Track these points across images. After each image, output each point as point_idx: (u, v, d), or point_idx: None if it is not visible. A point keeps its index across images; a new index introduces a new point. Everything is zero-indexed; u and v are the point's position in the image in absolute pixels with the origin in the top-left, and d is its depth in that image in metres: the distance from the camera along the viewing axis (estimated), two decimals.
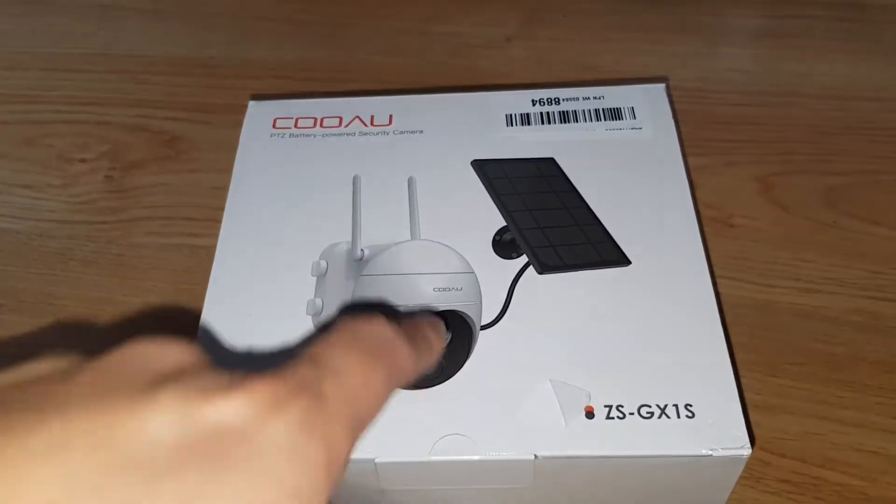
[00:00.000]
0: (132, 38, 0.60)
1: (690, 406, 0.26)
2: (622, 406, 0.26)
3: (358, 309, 0.26)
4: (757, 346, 0.42)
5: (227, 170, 0.41)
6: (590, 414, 0.26)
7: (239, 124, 0.38)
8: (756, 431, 0.39)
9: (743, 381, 0.40)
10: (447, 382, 0.26)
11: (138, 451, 0.14)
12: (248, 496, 0.15)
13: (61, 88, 0.56)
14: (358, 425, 0.17)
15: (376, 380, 0.18)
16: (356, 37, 0.59)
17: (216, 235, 0.39)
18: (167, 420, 0.15)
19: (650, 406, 0.26)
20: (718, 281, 0.44)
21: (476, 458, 0.25)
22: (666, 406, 0.26)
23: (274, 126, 0.34)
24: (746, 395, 0.40)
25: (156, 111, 0.54)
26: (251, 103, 0.35)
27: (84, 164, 0.51)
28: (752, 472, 0.38)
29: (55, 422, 0.14)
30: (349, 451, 0.17)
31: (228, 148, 0.44)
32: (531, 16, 0.60)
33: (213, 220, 0.45)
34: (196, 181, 0.50)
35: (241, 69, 0.56)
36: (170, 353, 0.17)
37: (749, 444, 0.25)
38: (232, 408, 0.15)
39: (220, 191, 0.40)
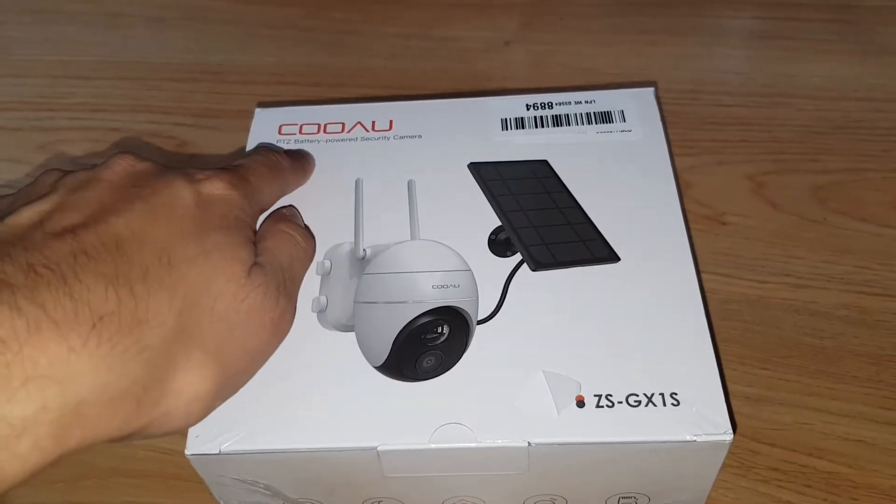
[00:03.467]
0: (140, 46, 0.61)
1: (676, 395, 0.27)
2: (611, 395, 0.27)
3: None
4: (749, 340, 0.43)
5: None
6: (580, 403, 0.27)
7: (246, 129, 0.40)
8: (747, 422, 0.40)
9: (734, 373, 0.42)
10: (445, 375, 0.28)
11: (180, 211, 0.26)
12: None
13: (72, 96, 0.58)
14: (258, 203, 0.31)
15: (269, 181, 0.32)
16: (359, 43, 0.60)
17: None
18: (187, 194, 0.27)
19: (637, 395, 0.27)
20: (711, 277, 0.45)
21: (473, 445, 0.26)
22: (652, 395, 0.27)
23: (279, 132, 0.36)
24: (738, 387, 0.41)
25: (165, 117, 0.55)
26: (257, 110, 0.37)
27: None
28: (743, 461, 0.39)
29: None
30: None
31: (236, 152, 0.46)
32: (529, 20, 0.61)
33: None
34: None
35: (248, 75, 0.58)
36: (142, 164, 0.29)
37: (731, 431, 0.26)
38: (214, 185, 0.29)
39: None
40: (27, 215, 0.24)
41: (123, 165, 0.27)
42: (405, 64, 0.58)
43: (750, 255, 0.46)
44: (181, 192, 0.27)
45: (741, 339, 0.43)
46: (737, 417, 0.40)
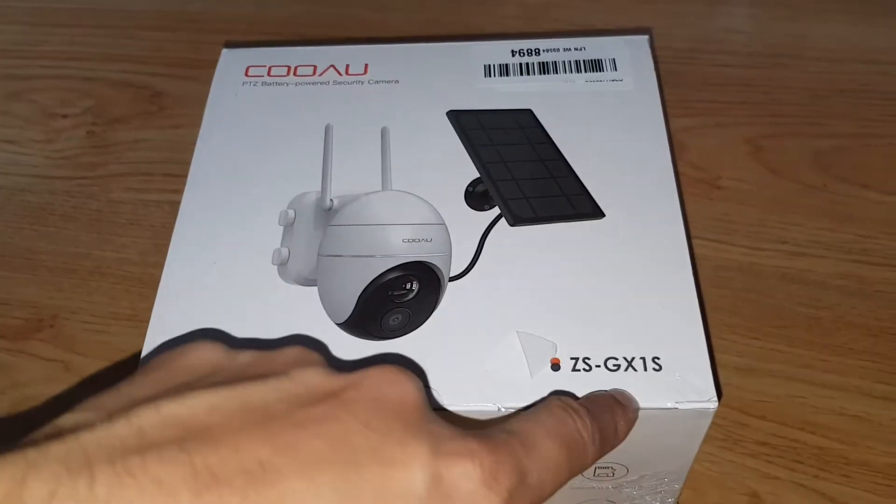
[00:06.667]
0: None
1: (658, 359, 0.25)
2: (589, 358, 0.25)
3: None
4: (740, 308, 0.41)
5: None
6: (556, 366, 0.25)
7: None
8: (736, 393, 0.39)
9: (724, 343, 0.40)
10: (413, 334, 0.26)
11: (399, 497, 0.18)
12: None
13: (46, 44, 0.55)
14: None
15: (563, 476, 0.21)
16: None
17: None
18: (421, 476, 0.18)
19: (617, 359, 0.25)
20: (703, 243, 0.43)
21: (451, 408, 0.25)
22: (633, 359, 0.25)
23: (246, 74, 0.33)
24: (727, 357, 0.40)
25: (140, 66, 0.53)
26: (224, 50, 0.34)
27: (67, 120, 0.51)
28: (730, 434, 0.38)
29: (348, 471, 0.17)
30: None
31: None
32: None
33: None
34: (178, 137, 0.49)
35: (226, 24, 0.56)
36: (399, 387, 0.20)
37: (716, 398, 0.25)
38: (465, 475, 0.18)
39: None
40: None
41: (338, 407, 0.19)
42: (394, 15, 0.56)
43: (745, 221, 0.44)
44: (412, 474, 0.18)
45: (732, 307, 0.41)
46: (725, 389, 0.39)
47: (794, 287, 0.42)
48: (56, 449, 0.16)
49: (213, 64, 0.53)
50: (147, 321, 0.41)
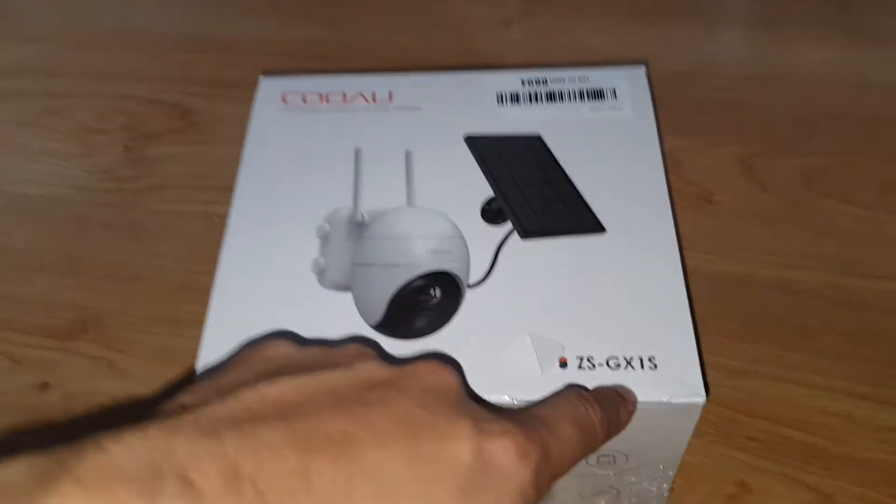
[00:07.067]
0: (149, 17, 0.62)
1: (654, 359, 0.28)
2: (592, 357, 0.29)
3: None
4: (733, 315, 0.44)
5: (237, 141, 0.43)
6: (563, 364, 0.28)
7: (248, 99, 0.41)
8: (728, 393, 0.42)
9: (718, 347, 0.43)
10: (436, 334, 0.29)
11: (448, 468, 0.21)
12: None
13: (82, 63, 0.59)
14: (552, 481, 0.24)
15: (578, 455, 0.25)
16: (360, 16, 0.61)
17: (227, 203, 0.41)
18: (467, 448, 0.21)
19: (617, 358, 0.28)
20: (697, 255, 0.47)
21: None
22: (631, 358, 0.28)
23: (283, 101, 0.37)
24: (720, 359, 0.43)
25: (171, 86, 0.57)
26: (262, 79, 0.38)
27: (104, 135, 0.54)
28: (721, 429, 0.41)
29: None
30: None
31: (238, 121, 0.46)
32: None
33: (224, 188, 0.47)
34: (208, 152, 0.53)
35: (251, 47, 0.59)
36: (443, 376, 0.23)
37: (704, 394, 0.28)
38: (503, 448, 0.22)
39: (231, 161, 0.43)
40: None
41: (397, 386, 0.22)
42: (405, 39, 0.59)
43: (736, 234, 0.47)
44: (461, 446, 0.21)
45: (725, 314, 0.44)
46: (718, 389, 0.42)
47: (782, 296, 0.45)
48: (188, 418, 0.19)
49: (236, 84, 0.57)
50: (184, 323, 0.44)
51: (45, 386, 0.43)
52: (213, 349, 0.29)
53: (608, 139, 0.35)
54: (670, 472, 0.32)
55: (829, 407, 0.41)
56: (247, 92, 0.41)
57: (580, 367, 0.28)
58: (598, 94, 0.36)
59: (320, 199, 0.33)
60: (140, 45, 0.60)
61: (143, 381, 0.42)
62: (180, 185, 0.51)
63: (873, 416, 0.40)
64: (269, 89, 0.37)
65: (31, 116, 0.55)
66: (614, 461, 0.31)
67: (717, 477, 0.39)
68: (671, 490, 0.36)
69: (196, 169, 0.52)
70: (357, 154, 0.34)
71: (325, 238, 0.32)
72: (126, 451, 0.18)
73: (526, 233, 0.31)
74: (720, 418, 0.41)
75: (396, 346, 0.29)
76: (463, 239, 0.31)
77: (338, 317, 0.30)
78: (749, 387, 0.42)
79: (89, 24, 0.62)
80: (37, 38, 0.61)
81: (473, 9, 0.61)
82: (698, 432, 0.38)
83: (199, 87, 0.57)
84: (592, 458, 0.31)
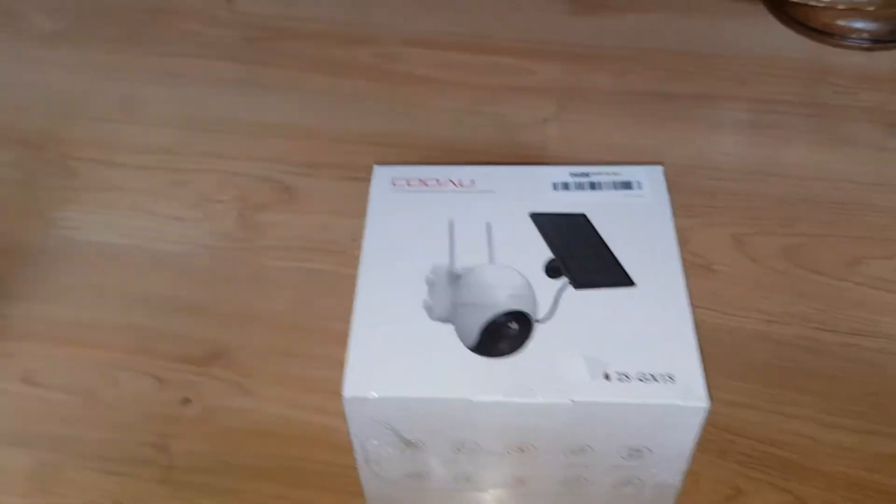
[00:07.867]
0: (252, 106, 0.74)
1: (672, 375, 0.39)
2: (627, 374, 0.40)
3: None
4: (729, 359, 0.53)
5: (332, 212, 0.55)
6: (606, 376, 0.39)
7: (337, 178, 0.52)
8: (726, 420, 0.50)
9: (717, 384, 0.50)
10: (516, 355, 0.41)
11: None
12: None
13: (198, 144, 0.69)
14: None
15: None
16: (425, 114, 0.73)
17: (327, 261, 0.53)
18: None
19: (645, 374, 0.40)
20: (701, 311, 0.56)
21: (533, 400, 0.39)
22: (655, 375, 0.40)
23: (392, 184, 0.49)
24: (721, 394, 0.51)
25: (275, 165, 0.68)
26: (375, 167, 0.50)
27: (221, 204, 0.65)
28: (721, 447, 0.49)
29: None
30: None
31: (331, 194, 0.59)
32: (564, 103, 0.75)
33: (322, 249, 0.60)
34: (307, 220, 0.63)
35: (339, 137, 0.71)
36: None
37: (707, 401, 0.39)
38: None
39: (327, 228, 0.55)
40: None
41: None
42: (462, 133, 0.72)
43: (731, 296, 0.57)
44: None
45: (724, 358, 0.54)
46: (717, 416, 0.50)
47: (767, 345, 0.54)
48: None
49: (329, 165, 0.69)
50: (296, 354, 0.55)
51: (186, 401, 0.54)
52: (356, 375, 0.39)
53: (635, 218, 0.47)
54: (683, 466, 0.43)
55: (801, 430, 0.50)
56: (336, 171, 0.53)
57: (619, 379, 0.40)
58: (627, 185, 0.48)
59: (426, 258, 0.45)
60: (248, 130, 0.69)
61: (266, 400, 0.53)
62: (286, 247, 0.62)
63: (835, 438, 0.49)
64: (381, 175, 0.50)
65: (159, 186, 0.67)
66: (641, 455, 0.42)
67: (717, 483, 0.48)
68: (682, 484, 0.47)
69: (298, 233, 0.62)
70: (450, 225, 0.47)
71: (431, 285, 0.44)
72: None
73: (578, 284, 0.43)
74: (720, 439, 0.50)
75: (487, 363, 0.41)
76: (532, 288, 0.43)
77: (446, 342, 0.41)
78: (741, 415, 0.51)
79: (203, 111, 0.72)
80: (158, 123, 0.73)
81: (518, 110, 0.74)
82: (703, 449, 0.48)
83: (298, 167, 0.66)
84: (625, 452, 0.42)
